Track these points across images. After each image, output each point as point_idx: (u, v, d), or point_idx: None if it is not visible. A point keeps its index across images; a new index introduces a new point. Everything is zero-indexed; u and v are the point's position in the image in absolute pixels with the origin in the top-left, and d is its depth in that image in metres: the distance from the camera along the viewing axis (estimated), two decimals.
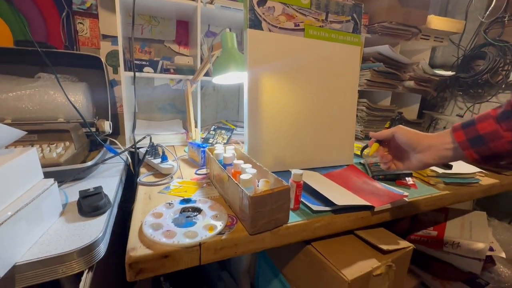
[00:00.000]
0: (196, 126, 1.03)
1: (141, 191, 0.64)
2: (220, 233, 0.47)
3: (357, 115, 1.34)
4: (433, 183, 0.79)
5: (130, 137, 0.94)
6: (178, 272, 0.44)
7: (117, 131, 1.16)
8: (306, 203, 0.60)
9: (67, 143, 0.73)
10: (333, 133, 0.88)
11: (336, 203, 0.57)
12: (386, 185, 0.73)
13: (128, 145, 0.95)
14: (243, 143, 1.05)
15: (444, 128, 1.59)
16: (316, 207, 0.58)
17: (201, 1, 0.97)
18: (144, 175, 0.73)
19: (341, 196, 0.61)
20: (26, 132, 0.53)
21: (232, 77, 0.76)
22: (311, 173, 0.76)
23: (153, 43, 1.20)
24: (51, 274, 0.41)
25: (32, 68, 0.92)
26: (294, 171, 0.56)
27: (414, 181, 0.79)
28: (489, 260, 0.94)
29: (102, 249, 0.46)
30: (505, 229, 1.17)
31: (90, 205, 0.52)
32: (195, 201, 0.57)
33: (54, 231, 0.47)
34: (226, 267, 0.93)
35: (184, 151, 0.98)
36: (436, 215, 1.12)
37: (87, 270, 0.44)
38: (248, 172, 0.56)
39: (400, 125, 0.52)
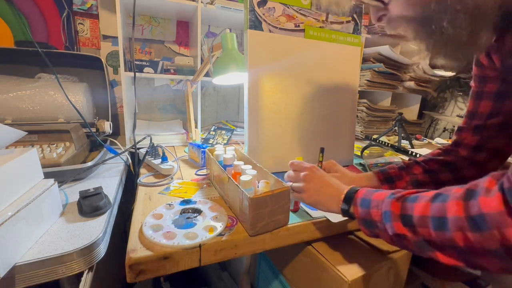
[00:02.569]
0: (196, 127, 1.03)
1: (141, 191, 0.64)
2: (220, 234, 0.47)
3: (357, 116, 1.34)
4: None
5: (130, 137, 0.94)
6: (178, 272, 0.44)
7: (117, 131, 1.16)
8: (305, 208, 0.60)
9: (68, 144, 0.73)
10: (333, 133, 0.88)
11: (332, 220, 0.56)
12: None
13: (128, 145, 0.95)
14: (243, 143, 1.05)
15: (445, 128, 1.59)
16: (315, 213, 0.58)
17: (202, 2, 0.97)
18: (144, 176, 0.73)
19: None
20: (26, 133, 0.53)
21: (232, 77, 0.76)
22: None
23: (153, 44, 1.21)
24: (51, 274, 0.41)
25: (32, 69, 0.92)
26: None
27: None
28: None
29: (102, 250, 0.46)
30: None
31: (90, 205, 0.52)
32: (195, 202, 0.57)
33: (54, 231, 0.47)
34: (226, 267, 0.93)
35: (184, 151, 0.98)
36: None
37: (87, 271, 0.44)
38: (248, 173, 0.56)
39: (334, 175, 0.65)
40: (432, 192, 0.37)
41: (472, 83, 0.59)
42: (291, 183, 0.56)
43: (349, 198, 0.47)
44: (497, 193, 0.30)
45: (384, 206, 0.40)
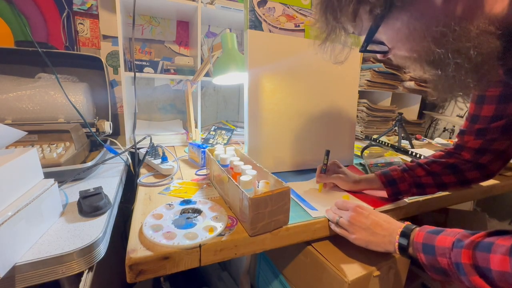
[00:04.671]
0: (196, 127, 1.03)
1: (141, 191, 0.64)
2: (220, 234, 0.47)
3: (357, 116, 1.34)
4: None
5: (130, 137, 0.94)
6: (178, 272, 0.44)
7: (117, 131, 1.16)
8: (305, 208, 0.60)
9: (68, 144, 0.73)
10: (334, 133, 0.88)
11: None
12: None
13: (128, 145, 0.95)
14: (243, 143, 1.05)
15: (445, 128, 1.59)
16: (315, 213, 0.58)
17: (202, 2, 0.97)
18: (144, 176, 0.73)
19: None
20: (26, 133, 0.53)
21: (232, 77, 0.76)
22: (308, 183, 0.76)
23: (153, 44, 1.21)
24: (51, 274, 0.41)
25: (32, 69, 0.92)
26: None
27: None
28: None
29: (102, 250, 0.46)
30: None
31: (90, 205, 0.52)
32: (195, 202, 0.57)
33: (54, 231, 0.47)
34: (227, 267, 0.93)
35: (184, 151, 0.98)
36: (436, 216, 1.11)
37: (87, 271, 0.44)
38: (248, 173, 0.56)
39: (339, 176, 0.69)
40: (507, 242, 0.35)
41: None
42: (336, 217, 0.55)
43: (406, 236, 0.47)
44: None
45: (453, 256, 0.39)
